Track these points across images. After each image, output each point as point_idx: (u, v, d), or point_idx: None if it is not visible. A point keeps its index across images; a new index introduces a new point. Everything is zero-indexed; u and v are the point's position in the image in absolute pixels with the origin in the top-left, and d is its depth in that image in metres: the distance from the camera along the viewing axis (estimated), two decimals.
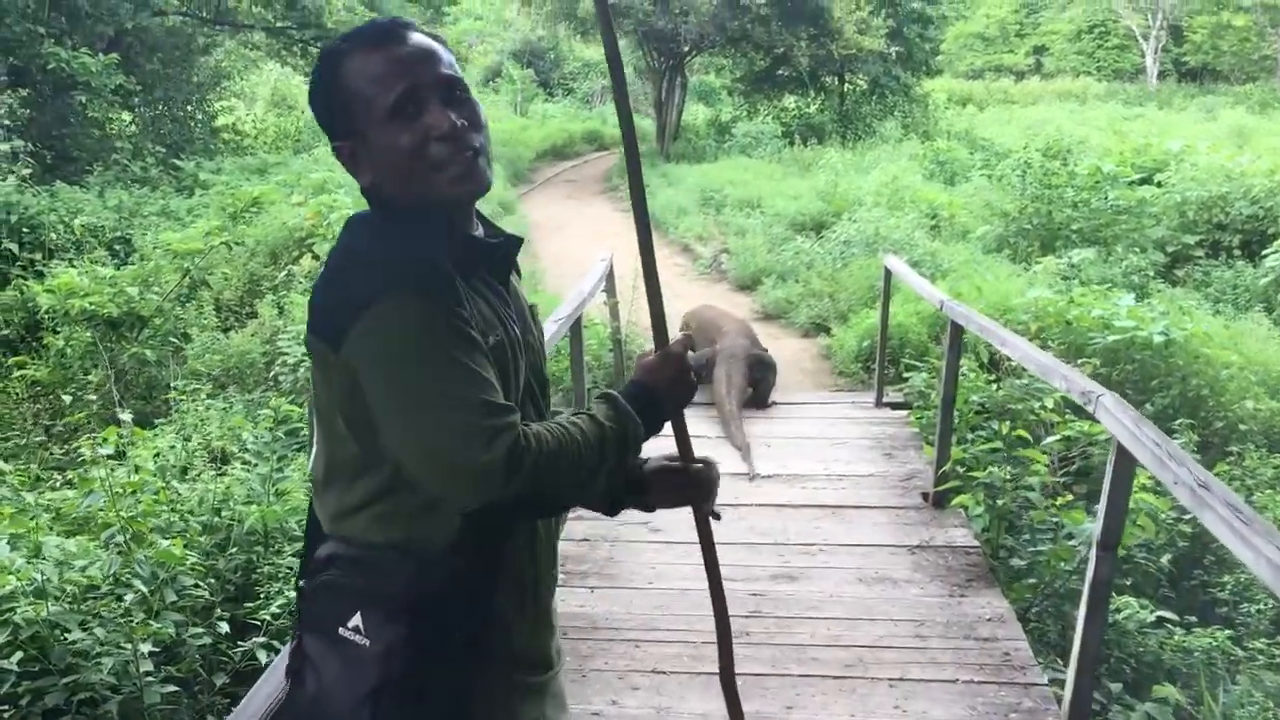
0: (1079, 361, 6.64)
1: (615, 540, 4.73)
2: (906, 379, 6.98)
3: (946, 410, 4.98)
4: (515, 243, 1.66)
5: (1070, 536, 4.36)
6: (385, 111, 1.48)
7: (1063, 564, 4.33)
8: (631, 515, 4.53)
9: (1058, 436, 5.58)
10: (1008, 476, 4.57)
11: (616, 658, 3.72)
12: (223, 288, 9.30)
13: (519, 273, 1.83)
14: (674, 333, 6.81)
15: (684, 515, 4.39)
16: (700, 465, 1.82)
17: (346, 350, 1.42)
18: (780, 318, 9.40)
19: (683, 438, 1.79)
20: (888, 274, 6.69)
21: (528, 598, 1.65)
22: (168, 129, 14.34)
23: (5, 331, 8.10)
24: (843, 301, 8.94)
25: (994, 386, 6.37)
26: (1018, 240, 11.27)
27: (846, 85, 22.33)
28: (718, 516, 1.87)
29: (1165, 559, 4.85)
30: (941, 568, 4.41)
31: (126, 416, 5.59)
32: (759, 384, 6.98)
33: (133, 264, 8.60)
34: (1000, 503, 4.54)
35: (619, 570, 4.44)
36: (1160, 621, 4.31)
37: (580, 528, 4.87)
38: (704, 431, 6.30)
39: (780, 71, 21.43)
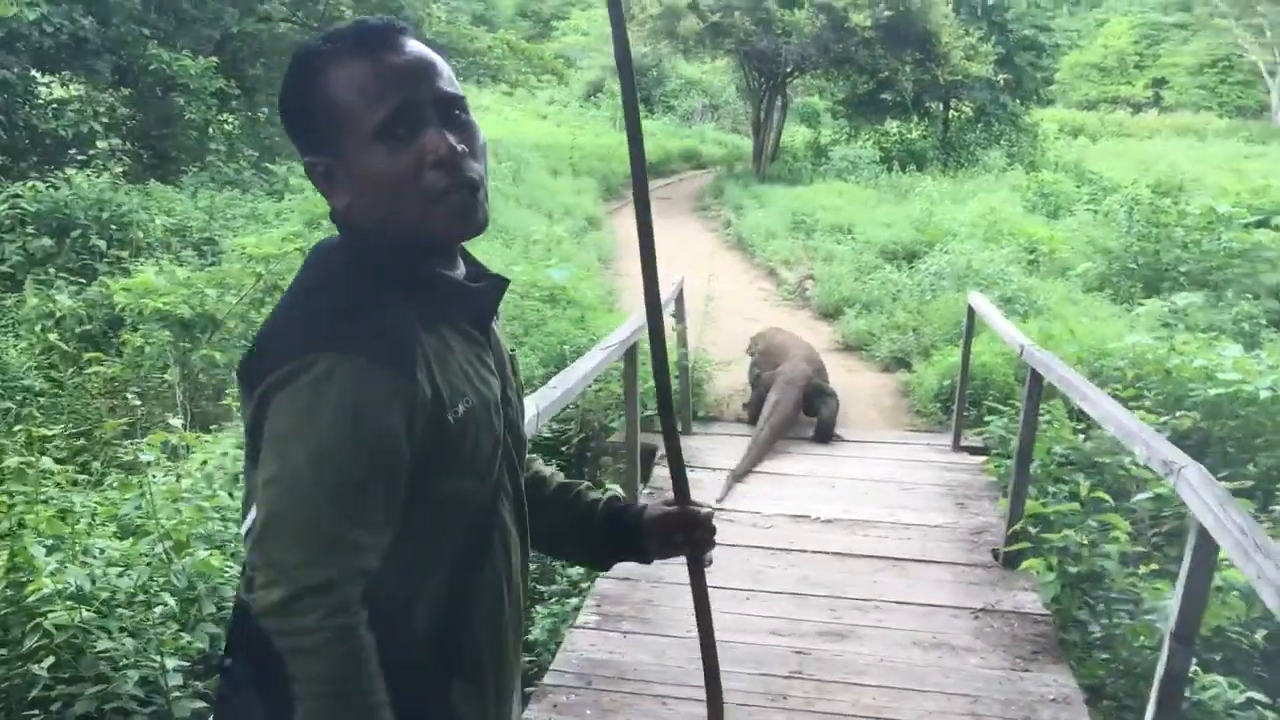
0: (1178, 414, 6.20)
1: (658, 581, 4.48)
2: (987, 422, 6.61)
3: (1022, 463, 4.63)
4: (500, 286, 1.46)
5: (1152, 611, 4.00)
6: (372, 130, 1.28)
7: (1141, 640, 3.96)
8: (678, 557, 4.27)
9: (1149, 494, 5.19)
10: (1085, 541, 4.21)
11: (641, 716, 3.48)
12: None
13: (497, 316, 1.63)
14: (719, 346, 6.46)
15: (731, 559, 4.15)
16: (698, 509, 1.67)
17: (260, 394, 1.24)
18: (860, 350, 9.05)
19: (679, 479, 1.65)
20: (971, 312, 6.34)
21: (488, 699, 1.43)
22: (266, 133, 14.52)
23: (88, 327, 8.17)
24: (927, 336, 8.56)
25: (1080, 437, 5.98)
26: (1120, 279, 10.74)
27: (951, 111, 21.80)
28: (710, 563, 1.74)
29: (1259, 635, 4.42)
30: (1006, 636, 4.07)
31: (176, 422, 5.55)
32: (820, 414, 6.74)
33: (215, 265, 8.66)
34: (1076, 570, 4.17)
35: (656, 615, 4.20)
36: (1250, 703, 3.91)
37: (620, 566, 4.62)
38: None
39: (884, 95, 20.99)
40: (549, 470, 1.75)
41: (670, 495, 1.67)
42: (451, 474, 1.31)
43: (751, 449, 6.15)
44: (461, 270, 1.42)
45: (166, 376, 7.50)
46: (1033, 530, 4.44)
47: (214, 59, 12.14)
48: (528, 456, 1.72)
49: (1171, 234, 10.87)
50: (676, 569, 4.34)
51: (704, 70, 30.47)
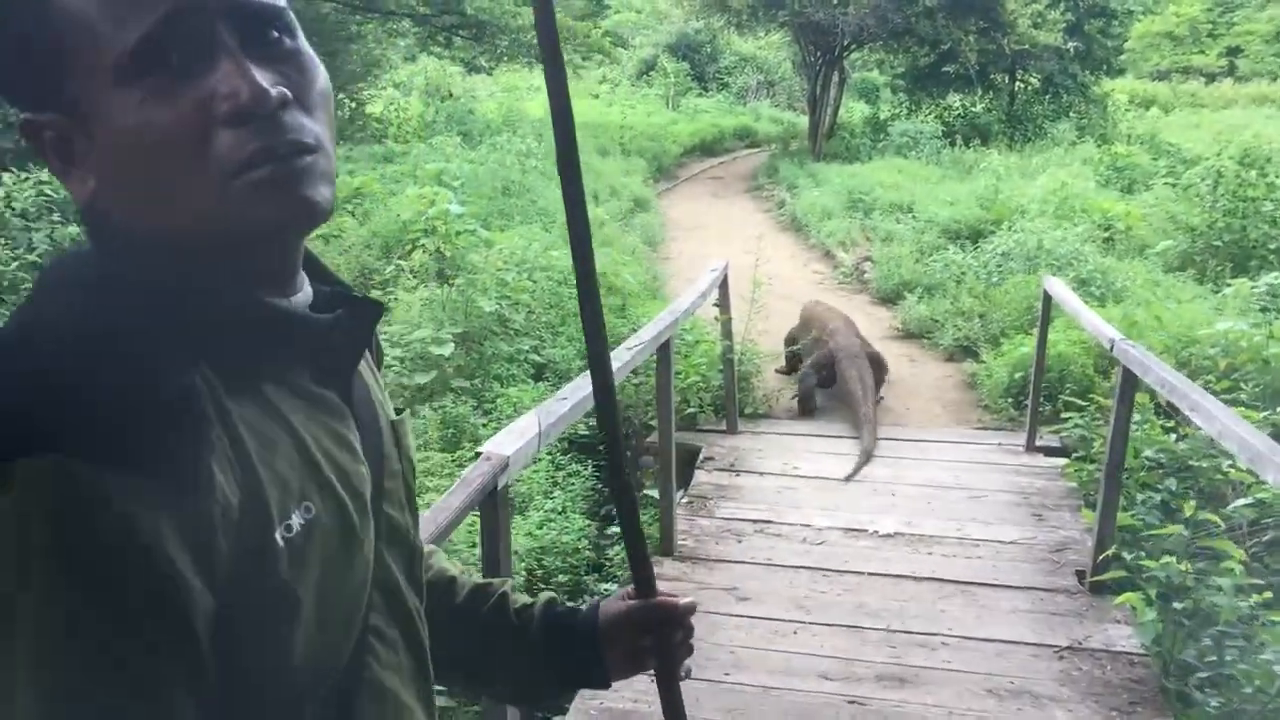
0: (1279, 409, 5.56)
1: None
2: (1065, 419, 5.98)
3: (1112, 476, 4.03)
4: (366, 315, 0.94)
5: (1270, 649, 3.40)
6: (121, 61, 0.76)
7: (1258, 684, 3.38)
8: (717, 579, 3.74)
9: (1249, 500, 4.58)
10: (1189, 570, 3.61)
11: None
12: None
13: (378, 353, 1.10)
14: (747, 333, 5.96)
15: (778, 582, 3.61)
16: (672, 601, 1.20)
17: None
18: (922, 337, 8.42)
19: (641, 563, 1.16)
20: (1047, 299, 5.71)
21: None
22: None
23: None
24: (995, 323, 7.91)
25: (1171, 436, 5.36)
26: (1204, 258, 9.99)
27: (1017, 83, 20.88)
28: (688, 674, 1.27)
29: None
30: (1098, 682, 3.49)
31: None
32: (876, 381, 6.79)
33: None
34: (1180, 606, 3.58)
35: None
36: None
37: None
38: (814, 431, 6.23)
39: (946, 68, 20.13)
40: (456, 569, 1.24)
41: (632, 587, 1.20)
42: (283, 626, 0.79)
43: (866, 426, 6.04)
44: (304, 292, 0.90)
45: None
46: (1126, 556, 3.83)
47: None
48: (426, 550, 1.21)
49: (1260, 208, 10.10)
50: (716, 595, 3.83)
51: (759, 45, 29.69)
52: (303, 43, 0.85)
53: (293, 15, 0.85)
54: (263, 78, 0.78)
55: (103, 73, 0.76)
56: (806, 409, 6.72)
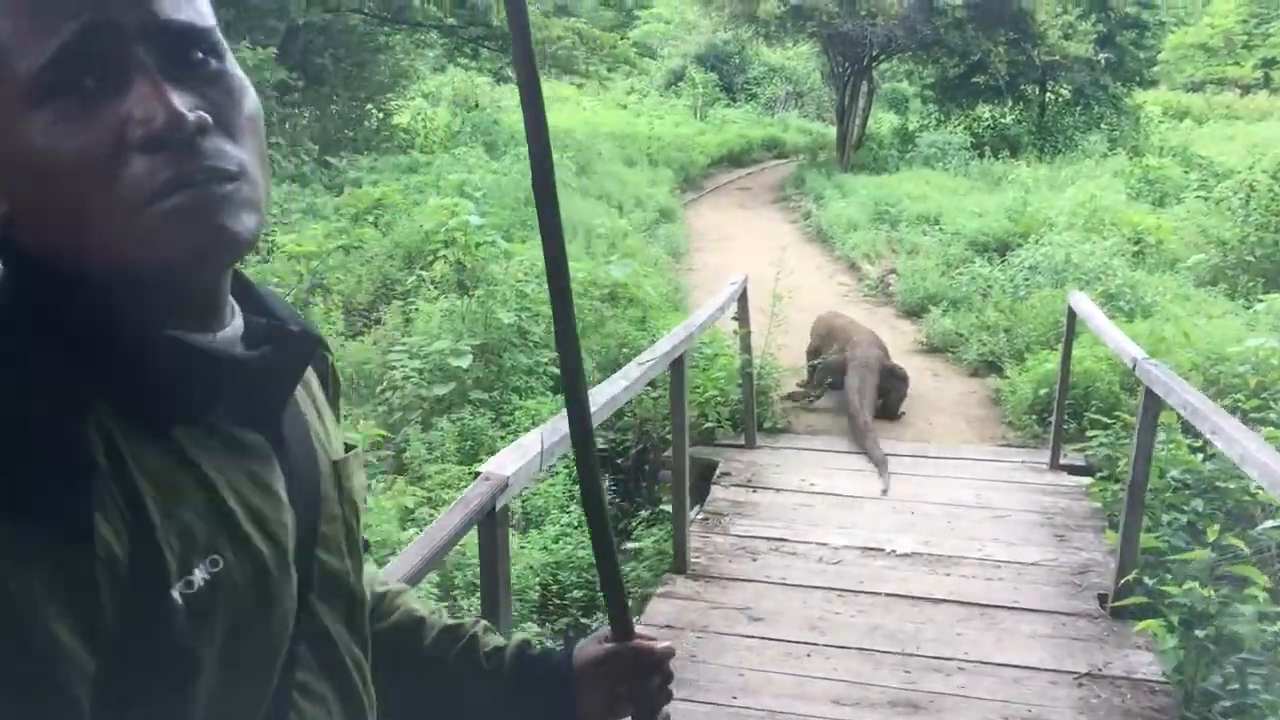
0: None
1: (704, 630, 3.91)
2: (1090, 438, 5.88)
3: (1135, 498, 3.94)
4: (296, 351, 0.89)
5: None
6: (30, 82, 0.73)
7: None
8: (730, 598, 3.68)
9: (1278, 522, 4.48)
10: (1213, 596, 3.52)
11: None
12: (353, 291, 8.94)
13: (334, 386, 1.05)
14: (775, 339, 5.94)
15: (792, 602, 3.54)
16: (650, 646, 1.15)
17: None
18: (946, 351, 8.31)
19: (618, 607, 1.13)
20: (1071, 314, 5.61)
21: None
22: (334, 125, 14.24)
23: None
24: (1020, 338, 7.80)
25: (1198, 456, 5.25)
26: (1236, 273, 9.84)
27: (1048, 94, 20.71)
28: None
29: None
30: (1117, 710, 3.41)
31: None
32: (889, 394, 6.92)
33: (267, 264, 8.31)
34: (1203, 634, 3.48)
35: (700, 674, 3.62)
36: None
37: (663, 610, 4.07)
38: (834, 447, 6.20)
39: (975, 79, 19.99)
40: (426, 609, 1.18)
41: (609, 629, 1.14)
42: (180, 688, 0.74)
43: (867, 436, 6.13)
44: (233, 326, 0.86)
45: None
46: (1149, 580, 3.74)
47: (272, 49, 11.83)
48: (392, 591, 1.16)
49: None
50: (728, 615, 3.76)
51: (787, 56, 29.61)
52: (231, 64, 0.81)
53: (220, 36, 0.81)
54: (181, 101, 0.74)
55: (12, 93, 0.73)
56: (805, 395, 7.04)
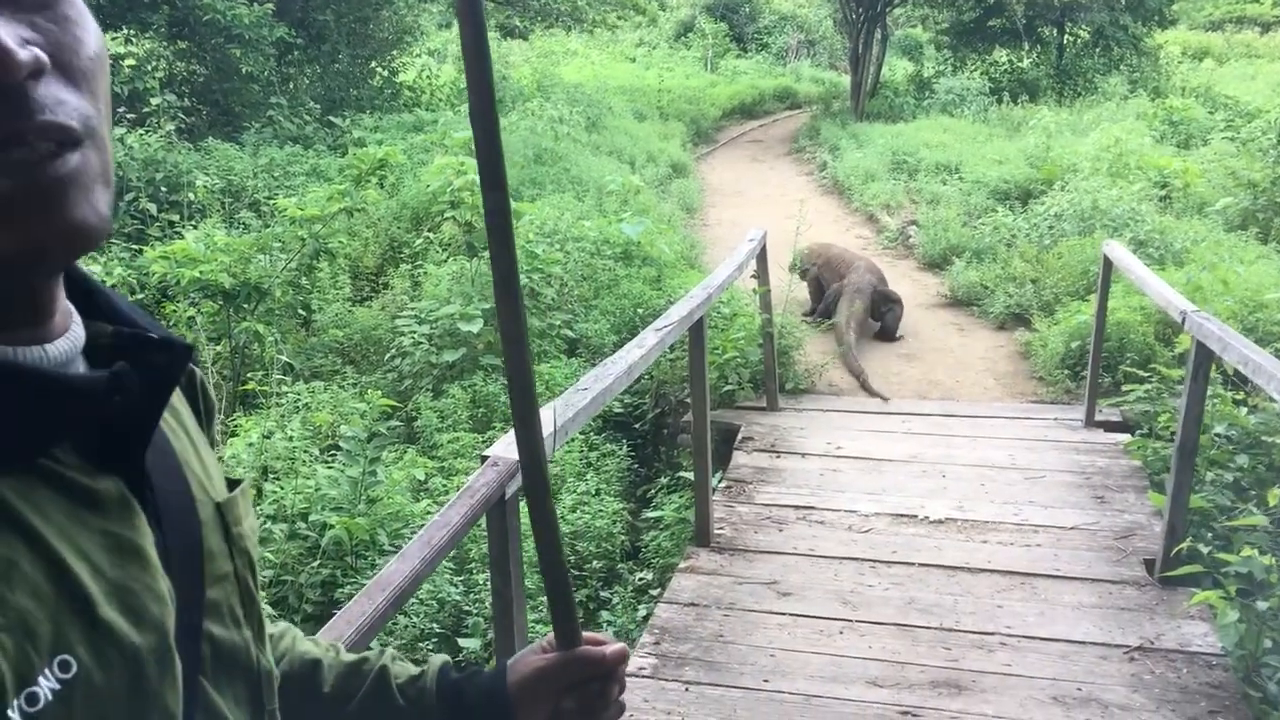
0: None
1: (731, 607, 3.71)
2: (1127, 392, 5.64)
3: (1185, 461, 3.71)
4: (163, 366, 0.68)
5: None
6: None
7: None
8: (756, 572, 3.48)
9: None
10: (1275, 565, 3.30)
11: None
12: (360, 255, 8.73)
13: (206, 406, 0.84)
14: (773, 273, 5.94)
15: (822, 575, 3.35)
16: (600, 650, 1.01)
17: None
18: (971, 305, 8.05)
19: (563, 609, 1.00)
20: (1107, 264, 5.35)
21: None
22: (337, 84, 13.92)
23: (140, 297, 7.66)
24: (1048, 289, 7.53)
25: (1242, 409, 5.02)
26: (1268, 216, 9.50)
27: (1066, 36, 20.20)
28: None
29: None
30: (1173, 687, 3.20)
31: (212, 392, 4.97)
32: (885, 316, 7.39)
33: (270, 228, 8.10)
34: (1267, 605, 3.26)
35: (729, 655, 3.43)
36: None
37: (687, 586, 3.88)
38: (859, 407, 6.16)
39: (991, 22, 19.52)
40: (321, 649, 1.00)
41: (552, 635, 1.02)
42: None
43: (849, 353, 6.70)
44: (69, 337, 0.65)
45: (219, 349, 7.01)
46: (1203, 549, 3.51)
47: (270, 5, 11.51)
48: (275, 634, 0.97)
49: None
50: (755, 590, 3.56)
51: (798, 4, 29.09)
52: (81, 5, 0.60)
53: None
54: (6, 32, 0.53)
55: None
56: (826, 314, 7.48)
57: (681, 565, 4.12)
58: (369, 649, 1.08)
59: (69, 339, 0.64)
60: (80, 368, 0.65)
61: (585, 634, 1.01)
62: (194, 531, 0.71)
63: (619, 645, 1.01)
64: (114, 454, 0.64)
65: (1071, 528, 4.34)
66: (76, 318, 0.66)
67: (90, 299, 0.69)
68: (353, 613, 1.61)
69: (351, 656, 1.00)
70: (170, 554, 0.67)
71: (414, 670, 1.02)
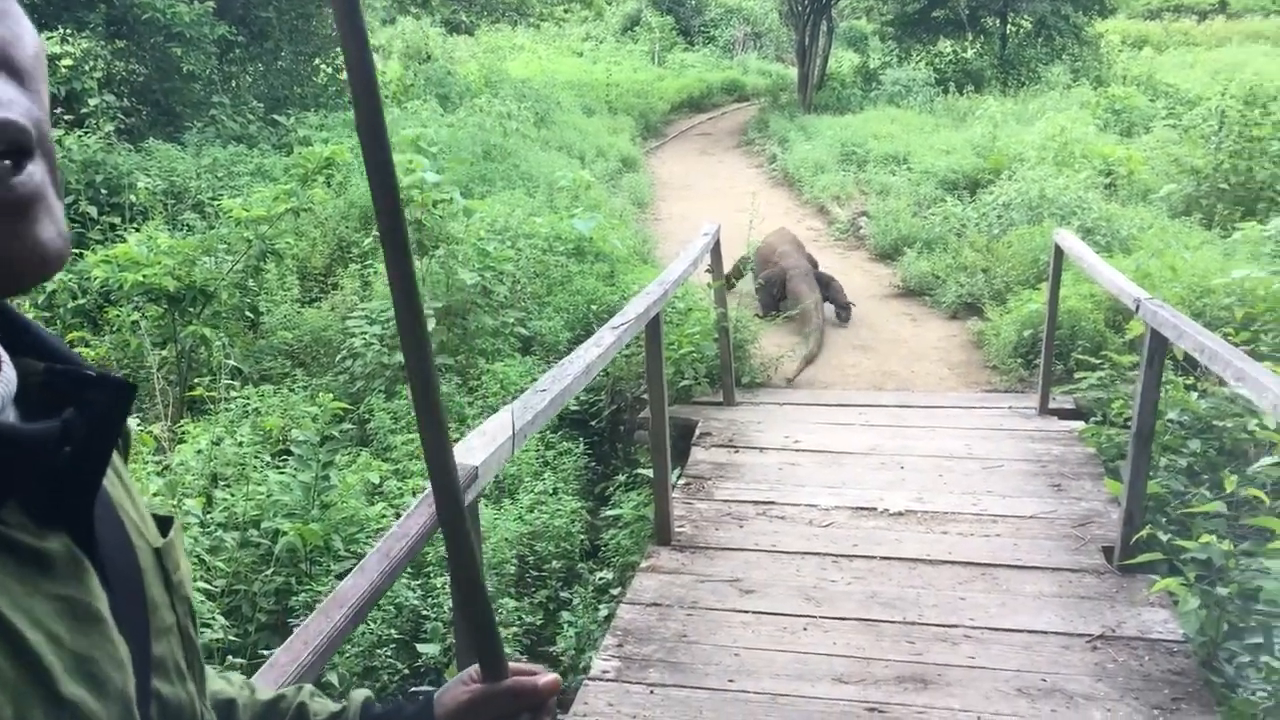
0: None
1: (694, 606, 3.68)
2: (1079, 380, 5.69)
3: (1141, 449, 3.73)
4: (107, 408, 0.62)
5: None
6: None
7: None
8: (718, 570, 3.45)
9: (1275, 459, 4.32)
10: (1233, 550, 3.32)
11: None
12: (308, 255, 8.59)
13: (127, 446, 0.77)
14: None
15: (784, 571, 3.33)
16: (531, 679, 0.96)
17: None
18: (923, 295, 8.08)
19: (486, 636, 0.94)
20: (1058, 253, 5.38)
21: None
22: (281, 81, 13.69)
23: (82, 302, 7.47)
24: (999, 278, 7.59)
25: (1193, 395, 5.07)
26: (1211, 202, 9.65)
27: (1009, 26, 20.41)
28: None
29: None
30: (1135, 675, 3.21)
31: (133, 423, 4.84)
32: (834, 299, 7.56)
33: (215, 230, 7.94)
34: (1226, 591, 3.28)
35: (692, 656, 3.39)
36: None
37: (648, 585, 3.84)
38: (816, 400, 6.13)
39: (935, 13, 19.67)
40: (235, 687, 0.93)
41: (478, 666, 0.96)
42: None
43: (815, 332, 6.95)
44: (4, 380, 0.60)
45: (164, 354, 6.85)
46: (1162, 536, 3.53)
47: (210, 3, 11.28)
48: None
49: (1266, 148, 9.74)
50: (719, 588, 3.52)
51: None
52: (25, 22, 0.55)
53: None
54: None
55: None
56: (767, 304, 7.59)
57: (643, 564, 4.07)
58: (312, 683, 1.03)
59: (2, 382, 0.58)
60: (11, 414, 0.59)
61: (513, 664, 0.96)
62: (137, 584, 0.66)
63: (551, 676, 0.96)
64: (60, 509, 0.59)
65: (1030, 516, 4.35)
66: (4, 355, 0.60)
67: (11, 331, 0.63)
68: (310, 631, 1.54)
69: (267, 695, 0.94)
70: (120, 613, 0.61)
71: (334, 707, 0.96)
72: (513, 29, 25.92)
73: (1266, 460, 4.37)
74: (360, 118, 0.77)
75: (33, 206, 0.52)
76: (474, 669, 0.96)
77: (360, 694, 0.98)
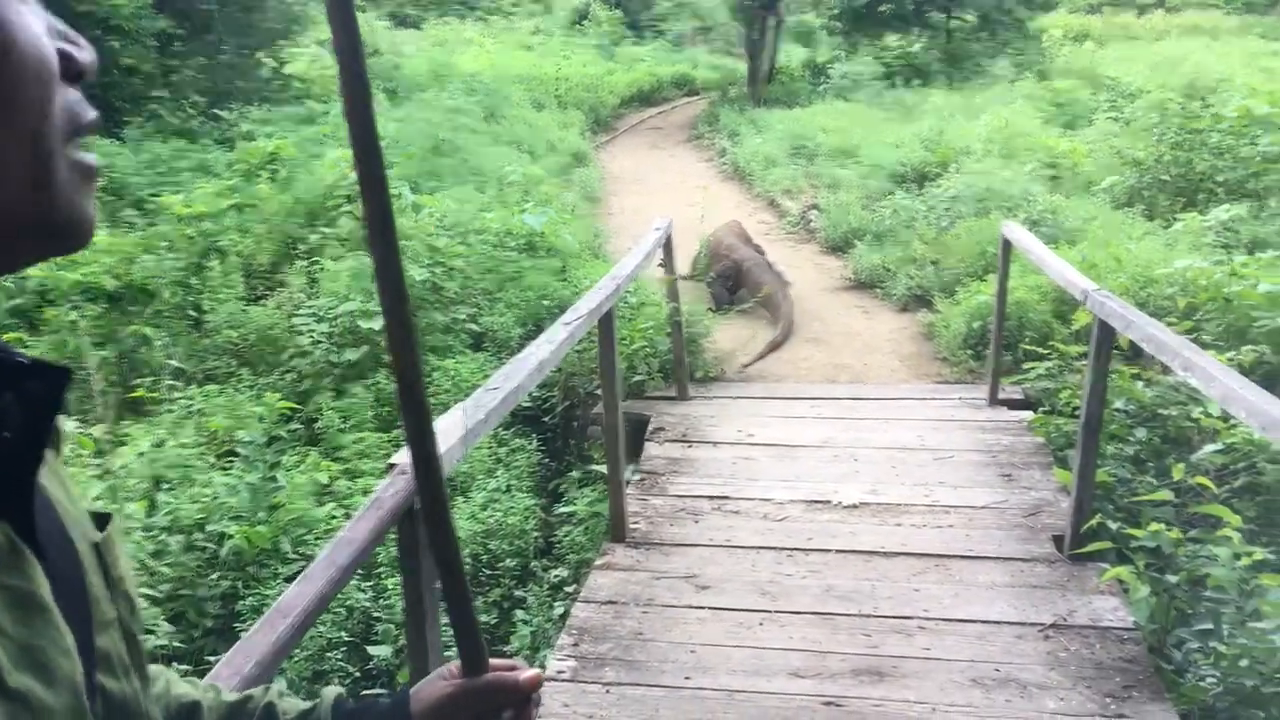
0: (1242, 349, 5.37)
1: (649, 604, 3.66)
2: (1028, 370, 5.74)
3: (1089, 438, 3.76)
4: (45, 393, 0.61)
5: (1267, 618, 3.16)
6: None
7: (1255, 658, 3.14)
8: (674, 566, 3.42)
9: (1218, 446, 4.40)
10: (1181, 539, 3.36)
11: None
12: (253, 252, 8.45)
13: (57, 444, 0.75)
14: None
15: (740, 566, 3.32)
16: (512, 674, 0.95)
17: None
18: (874, 287, 8.12)
19: (468, 632, 0.94)
20: (1006, 245, 5.42)
21: None
22: (223, 75, 13.46)
23: (19, 301, 7.29)
24: (948, 270, 7.64)
25: (1139, 384, 5.14)
26: (1152, 193, 9.78)
27: (953, 21, 20.60)
28: None
29: None
30: (1088, 664, 3.24)
31: (70, 426, 4.74)
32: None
33: (156, 226, 7.77)
34: (1175, 579, 3.32)
35: (649, 654, 3.37)
36: None
37: (604, 584, 3.81)
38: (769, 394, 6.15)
39: (881, 8, 19.78)
40: (199, 690, 0.90)
41: (458, 662, 0.95)
42: None
43: (786, 318, 7.09)
44: None
45: (104, 354, 6.70)
46: (1111, 525, 3.57)
47: None
48: (154, 673, 0.86)
49: (1206, 140, 9.90)
50: (674, 584, 3.50)
51: None
52: None
53: None
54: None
55: None
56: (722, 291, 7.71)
57: (598, 562, 4.04)
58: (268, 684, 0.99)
59: None
60: None
61: (493, 660, 0.94)
62: (79, 578, 0.64)
63: (533, 671, 0.95)
64: (2, 498, 0.57)
65: (982, 507, 4.38)
66: None
67: None
68: (253, 644, 1.49)
69: (233, 697, 0.91)
70: (64, 604, 0.59)
71: (304, 705, 0.93)
72: (461, 22, 25.72)
73: (1210, 448, 4.45)
74: (349, 108, 0.80)
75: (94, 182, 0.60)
76: (454, 664, 0.94)
77: (331, 691, 0.95)
